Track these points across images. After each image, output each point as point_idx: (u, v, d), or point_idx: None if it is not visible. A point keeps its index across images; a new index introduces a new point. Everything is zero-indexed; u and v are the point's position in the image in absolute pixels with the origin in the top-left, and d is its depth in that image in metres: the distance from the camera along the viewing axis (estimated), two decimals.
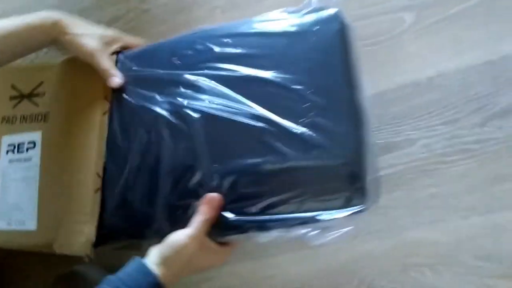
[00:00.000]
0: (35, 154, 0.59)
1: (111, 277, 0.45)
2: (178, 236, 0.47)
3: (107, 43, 0.58)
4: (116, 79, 0.56)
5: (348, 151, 0.46)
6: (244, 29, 0.53)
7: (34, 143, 0.60)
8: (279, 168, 0.46)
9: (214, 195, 0.48)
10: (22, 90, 0.63)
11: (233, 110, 0.49)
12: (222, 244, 0.51)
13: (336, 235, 0.47)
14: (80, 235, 0.53)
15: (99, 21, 0.83)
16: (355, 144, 0.46)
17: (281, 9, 0.54)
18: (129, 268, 0.46)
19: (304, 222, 0.46)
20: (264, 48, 0.51)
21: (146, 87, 0.55)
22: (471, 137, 0.59)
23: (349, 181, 0.45)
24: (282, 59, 0.50)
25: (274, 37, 0.51)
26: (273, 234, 0.48)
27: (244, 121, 0.48)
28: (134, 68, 0.57)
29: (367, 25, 0.65)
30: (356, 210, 0.45)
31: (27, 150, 0.60)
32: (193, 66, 0.53)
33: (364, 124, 0.47)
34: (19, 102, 0.63)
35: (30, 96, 0.62)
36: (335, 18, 0.50)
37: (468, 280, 0.56)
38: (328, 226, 0.46)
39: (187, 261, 0.46)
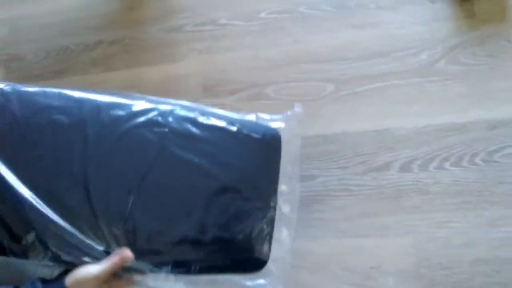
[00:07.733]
0: None
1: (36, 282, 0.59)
2: (86, 271, 0.60)
3: None
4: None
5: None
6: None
7: None
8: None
9: (127, 251, 0.61)
10: None
11: None
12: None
13: None
14: None
15: (100, 41, 1.04)
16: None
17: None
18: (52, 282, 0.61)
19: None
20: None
21: None
22: (354, 181, 0.81)
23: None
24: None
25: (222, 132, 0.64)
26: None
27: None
28: None
29: (300, 86, 0.88)
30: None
31: None
32: None
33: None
34: None
35: None
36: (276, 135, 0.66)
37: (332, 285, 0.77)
38: None
39: None
